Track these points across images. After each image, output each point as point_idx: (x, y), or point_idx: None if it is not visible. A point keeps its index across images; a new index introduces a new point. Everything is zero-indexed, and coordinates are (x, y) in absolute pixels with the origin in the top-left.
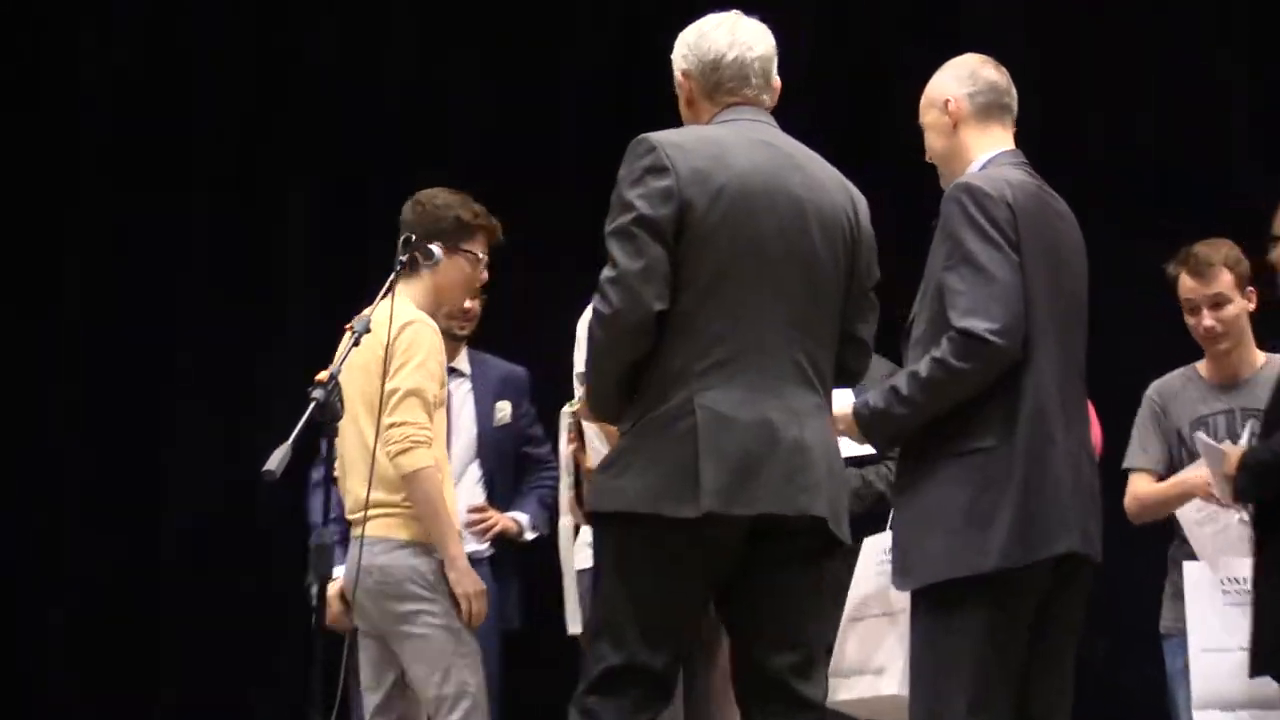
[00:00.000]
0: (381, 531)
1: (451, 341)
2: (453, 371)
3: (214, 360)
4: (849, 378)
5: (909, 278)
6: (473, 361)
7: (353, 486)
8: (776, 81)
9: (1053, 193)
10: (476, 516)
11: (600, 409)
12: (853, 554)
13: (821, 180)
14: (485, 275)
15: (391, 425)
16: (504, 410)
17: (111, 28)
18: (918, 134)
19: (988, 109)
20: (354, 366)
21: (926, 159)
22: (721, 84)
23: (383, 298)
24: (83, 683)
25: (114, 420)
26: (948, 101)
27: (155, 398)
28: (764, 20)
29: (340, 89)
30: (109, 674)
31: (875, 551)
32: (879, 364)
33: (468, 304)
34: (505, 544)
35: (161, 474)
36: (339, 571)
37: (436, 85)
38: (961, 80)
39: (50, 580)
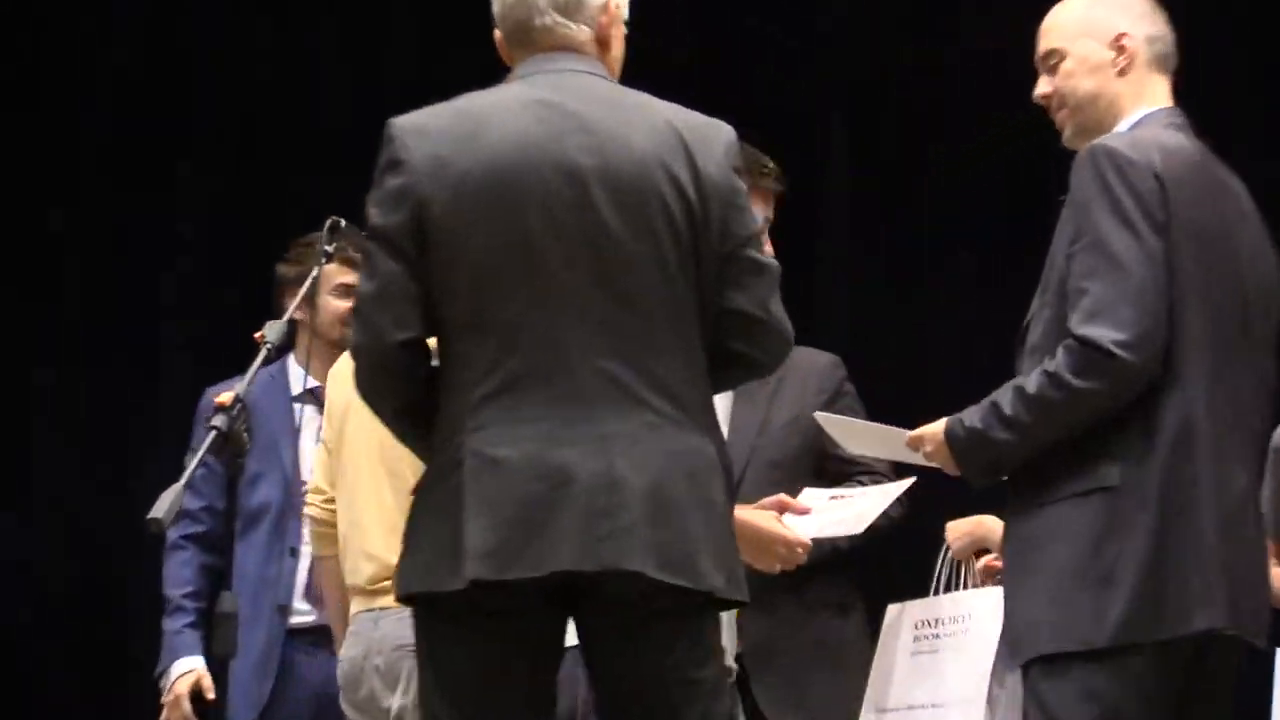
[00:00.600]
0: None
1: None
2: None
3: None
4: (747, 368)
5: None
6: None
7: (375, 550)
8: (608, 13)
9: (1223, 166)
10: None
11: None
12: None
13: (620, 134)
14: None
15: None
16: None
17: (111, 27)
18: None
19: (1162, 60)
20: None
21: (1039, 98)
22: (517, 29)
23: (305, 300)
24: None
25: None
26: (1122, 36)
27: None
28: None
29: (340, 89)
30: None
31: (906, 621)
32: (809, 355)
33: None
34: None
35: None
36: (187, 664)
37: (436, 84)
38: (1137, 17)
39: None
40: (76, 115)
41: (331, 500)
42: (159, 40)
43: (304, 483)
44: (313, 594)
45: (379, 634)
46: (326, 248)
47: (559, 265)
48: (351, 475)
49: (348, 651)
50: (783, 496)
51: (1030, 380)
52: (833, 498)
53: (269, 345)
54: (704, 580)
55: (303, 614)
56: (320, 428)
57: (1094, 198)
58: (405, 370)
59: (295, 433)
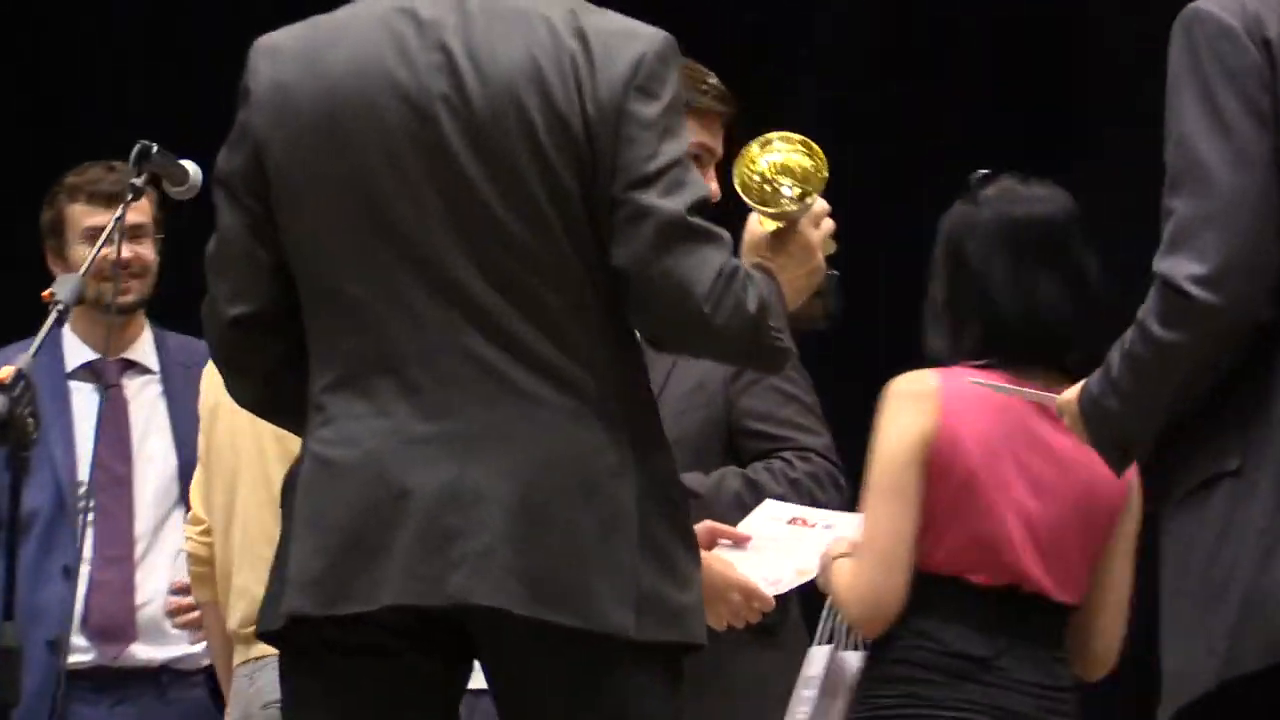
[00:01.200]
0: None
1: (104, 317)
2: (129, 365)
3: None
4: (647, 343)
5: None
6: (162, 347)
7: (245, 584)
8: None
9: None
10: (179, 601)
11: None
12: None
13: (484, 48)
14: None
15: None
16: None
17: (112, 27)
18: None
19: None
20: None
21: None
22: None
23: (107, 241)
24: None
25: None
26: None
27: None
28: None
29: None
30: None
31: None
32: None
33: (127, 253)
34: None
35: None
36: None
37: None
38: None
39: None
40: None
41: (209, 531)
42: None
43: (80, 483)
44: (92, 626)
45: (254, 690)
46: (134, 180)
47: (408, 222)
48: (223, 494)
49: (228, 717)
50: (712, 524)
51: (1129, 332)
52: (794, 520)
53: (60, 306)
54: (599, 617)
55: (81, 651)
56: (101, 410)
57: (1181, 78)
58: (245, 352)
59: (69, 420)
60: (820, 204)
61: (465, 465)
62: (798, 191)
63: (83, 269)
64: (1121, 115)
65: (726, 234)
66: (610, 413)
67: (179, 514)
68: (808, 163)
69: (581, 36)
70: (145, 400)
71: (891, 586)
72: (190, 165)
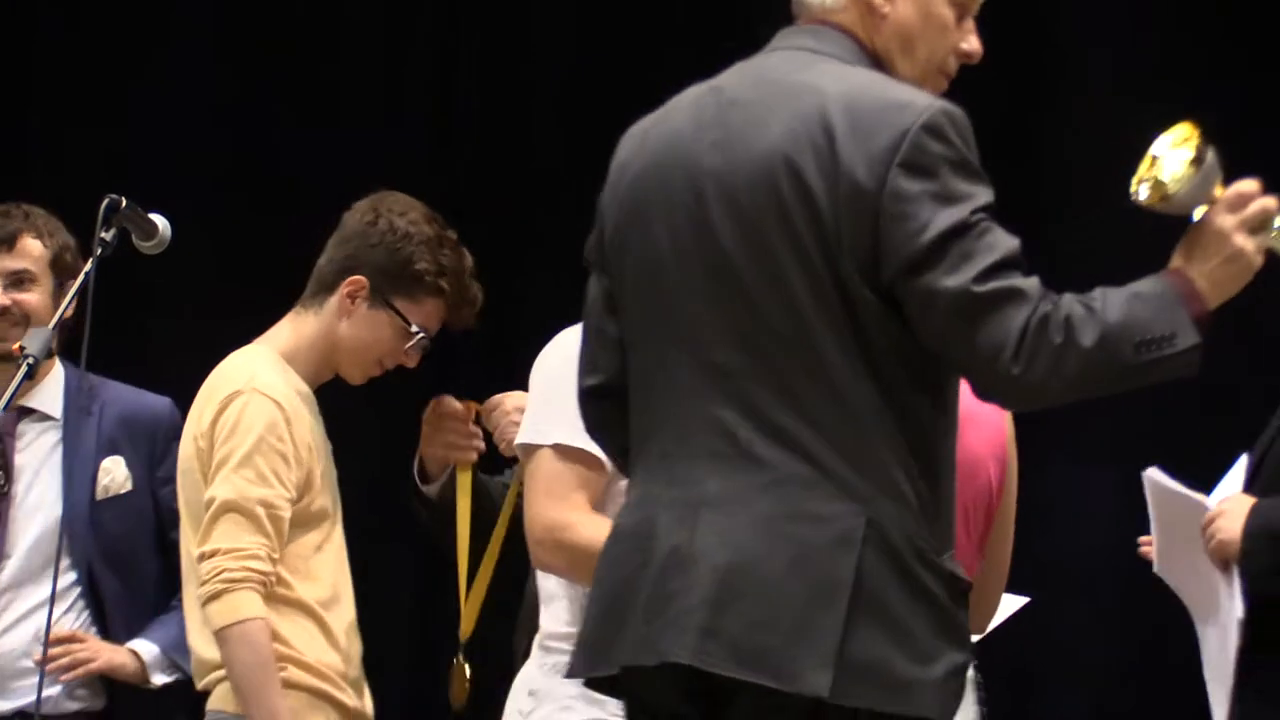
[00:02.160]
0: (219, 703)
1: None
2: (27, 412)
3: None
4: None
5: None
6: (72, 392)
7: (193, 644)
8: None
9: None
10: (58, 650)
11: None
12: None
13: (754, 124)
14: (415, 359)
15: (201, 556)
16: (114, 472)
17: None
18: None
19: None
20: (182, 460)
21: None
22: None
23: (69, 307)
24: None
25: None
26: None
27: None
28: None
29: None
30: None
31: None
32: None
33: (5, 299)
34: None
35: None
36: None
37: None
38: None
39: None
40: None
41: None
42: None
43: None
44: None
45: None
46: (103, 235)
47: (681, 294)
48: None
49: None
50: None
51: None
52: None
53: (30, 359)
54: (791, 677)
55: None
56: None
57: None
58: (601, 423)
59: None
60: (1237, 187)
61: (695, 530)
62: (1152, 185)
63: (52, 321)
64: None
65: (1031, 281)
66: (848, 483)
67: (66, 562)
68: (1178, 152)
69: (849, 111)
70: (40, 448)
71: None
72: (160, 220)
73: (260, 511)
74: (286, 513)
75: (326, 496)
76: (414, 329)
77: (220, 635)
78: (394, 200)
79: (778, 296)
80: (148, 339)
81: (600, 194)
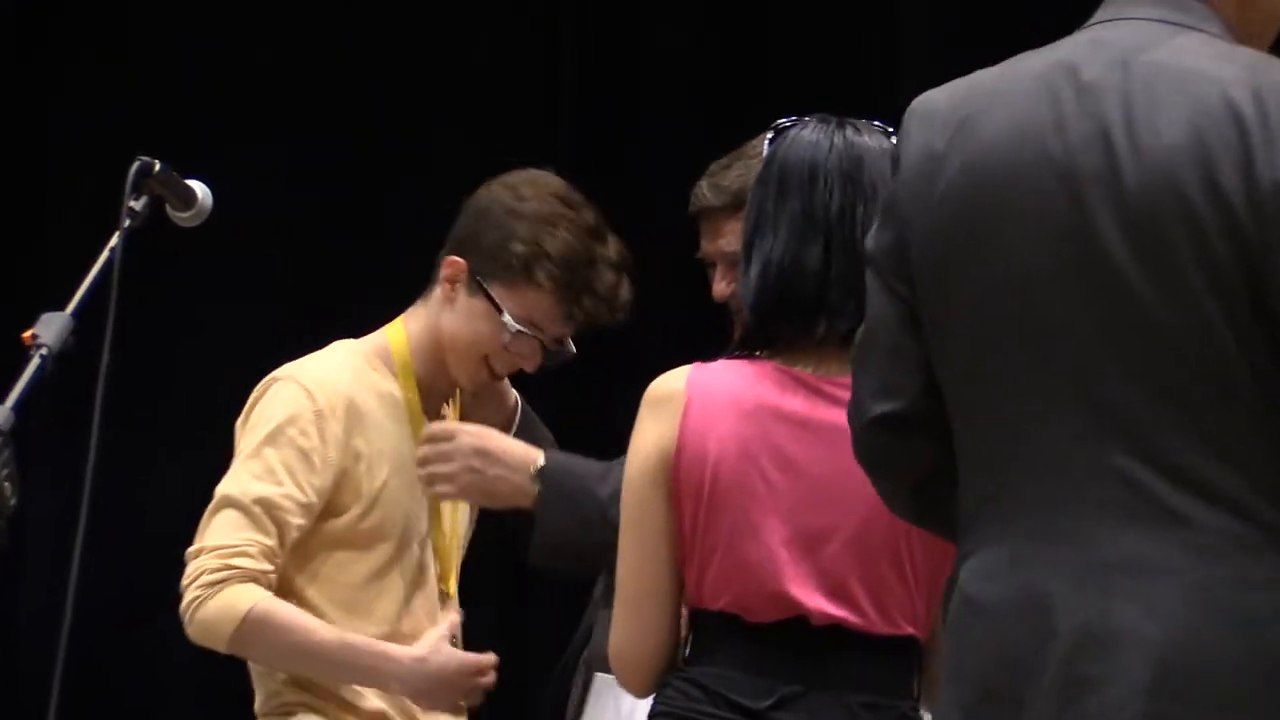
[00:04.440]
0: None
1: None
2: None
3: None
4: None
5: None
6: None
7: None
8: None
9: None
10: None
11: None
12: None
13: (1142, 118)
14: (529, 360)
15: (187, 557)
16: None
17: None
18: None
19: None
20: None
21: None
22: None
23: (92, 288)
24: None
25: None
26: None
27: None
28: None
29: None
30: None
31: None
32: None
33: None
34: None
35: None
36: None
37: None
38: None
39: None
40: None
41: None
42: None
43: None
44: None
45: None
46: (131, 204)
47: (1056, 318)
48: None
49: None
50: None
51: None
52: None
53: (44, 350)
54: None
55: None
56: None
57: None
58: (892, 456)
59: None
60: None
61: (1109, 601)
62: None
63: (70, 307)
64: None
65: None
66: (1251, 552)
67: None
68: None
69: (1258, 100)
70: None
71: (642, 634)
72: (199, 186)
73: (257, 509)
74: (297, 516)
75: (387, 515)
76: (506, 320)
77: (232, 650)
78: (523, 175)
79: (1186, 320)
80: (198, 329)
81: (891, 186)
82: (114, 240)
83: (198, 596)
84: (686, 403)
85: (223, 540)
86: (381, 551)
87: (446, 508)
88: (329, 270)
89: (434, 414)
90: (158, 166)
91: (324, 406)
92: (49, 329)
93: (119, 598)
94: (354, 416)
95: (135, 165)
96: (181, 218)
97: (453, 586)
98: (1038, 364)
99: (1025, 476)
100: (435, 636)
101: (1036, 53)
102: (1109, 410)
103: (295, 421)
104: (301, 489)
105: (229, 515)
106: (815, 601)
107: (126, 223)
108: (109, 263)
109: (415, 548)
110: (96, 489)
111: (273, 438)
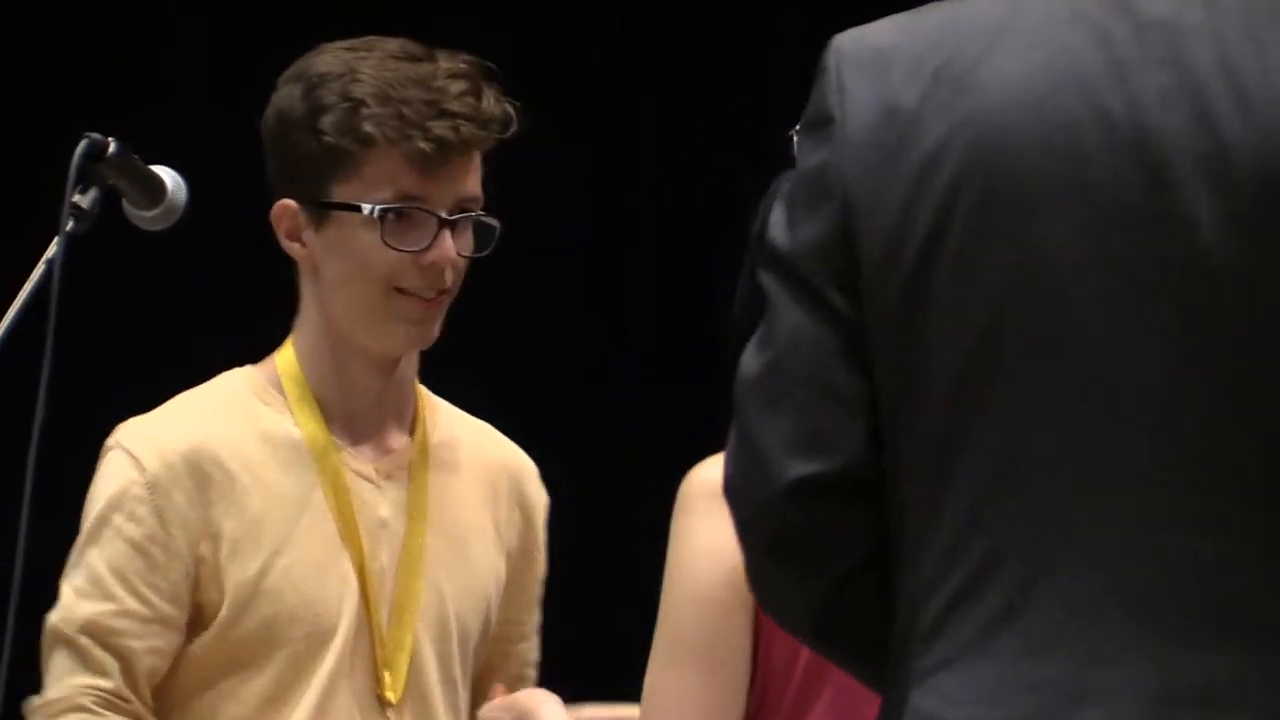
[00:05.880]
0: None
1: None
2: None
3: None
4: None
5: None
6: None
7: None
8: None
9: None
10: None
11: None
12: None
13: (1249, 67)
14: (435, 250)
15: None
16: None
17: None
18: None
19: None
20: None
21: None
22: None
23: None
24: None
25: None
26: None
27: None
28: None
29: None
30: None
31: None
32: None
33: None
34: None
35: None
36: None
37: None
38: None
39: None
40: None
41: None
42: None
43: None
44: None
45: None
46: (76, 199)
47: (1112, 341)
48: None
49: None
50: None
51: None
52: None
53: None
54: None
55: None
56: None
57: None
58: (807, 538)
59: None
60: None
61: None
62: None
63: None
64: None
65: None
66: None
67: None
68: None
69: None
70: None
71: None
72: (167, 174)
73: (85, 641)
74: (144, 637)
75: (278, 610)
76: (365, 209)
77: None
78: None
79: None
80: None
81: (821, 153)
82: (52, 249)
83: None
84: None
85: (52, 694)
86: (279, 664)
87: (391, 575)
88: None
89: (365, 445)
90: (112, 146)
91: (157, 474)
92: None
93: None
94: (209, 478)
95: (81, 145)
96: (144, 217)
97: (397, 690)
98: (1080, 409)
99: (1049, 565)
100: None
101: None
102: (1187, 473)
103: (120, 504)
104: (142, 599)
105: (58, 656)
106: None
107: (70, 225)
108: (44, 280)
109: (338, 647)
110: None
111: (95, 533)
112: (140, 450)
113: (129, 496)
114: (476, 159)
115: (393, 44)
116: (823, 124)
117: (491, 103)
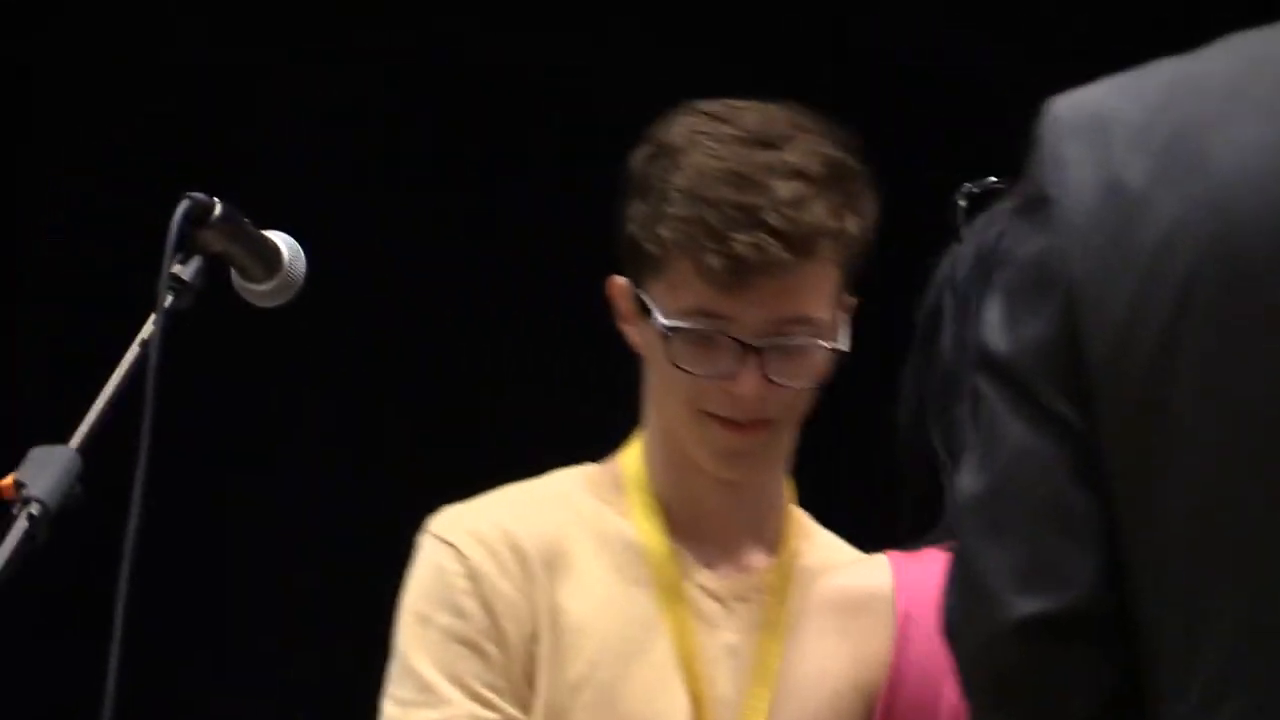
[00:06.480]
0: None
1: None
2: None
3: None
4: None
5: None
6: None
7: None
8: None
9: None
10: None
11: None
12: None
13: None
14: (743, 383)
15: None
16: None
17: None
18: None
19: None
20: None
21: None
22: None
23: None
24: None
25: None
26: None
27: None
28: None
29: None
30: None
31: None
32: None
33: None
34: None
35: None
36: None
37: None
38: None
39: None
40: None
41: None
42: None
43: None
44: None
45: None
46: (175, 269)
47: None
48: None
49: None
50: None
51: None
52: None
53: (34, 510)
54: None
55: None
56: None
57: None
58: (1038, 680)
59: None
60: None
61: None
62: None
63: (76, 438)
64: None
65: None
66: None
67: None
68: None
69: None
70: None
71: None
72: (284, 241)
73: (425, 670)
74: None
75: None
76: (661, 320)
77: None
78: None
79: None
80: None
81: (1037, 241)
82: (148, 328)
83: None
84: (902, 615)
85: (401, 693)
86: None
87: (734, 709)
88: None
89: (716, 561)
90: (219, 209)
91: (478, 561)
92: (41, 474)
93: None
94: (533, 565)
95: (181, 206)
96: (258, 291)
97: None
98: None
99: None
100: None
101: (1268, 34)
102: None
103: (438, 596)
104: (484, 701)
105: (400, 675)
106: None
107: (169, 300)
108: (139, 363)
109: None
110: None
111: (416, 632)
112: (456, 535)
113: (451, 587)
114: (808, 275)
115: (752, 117)
116: (1039, 205)
117: (823, 215)
